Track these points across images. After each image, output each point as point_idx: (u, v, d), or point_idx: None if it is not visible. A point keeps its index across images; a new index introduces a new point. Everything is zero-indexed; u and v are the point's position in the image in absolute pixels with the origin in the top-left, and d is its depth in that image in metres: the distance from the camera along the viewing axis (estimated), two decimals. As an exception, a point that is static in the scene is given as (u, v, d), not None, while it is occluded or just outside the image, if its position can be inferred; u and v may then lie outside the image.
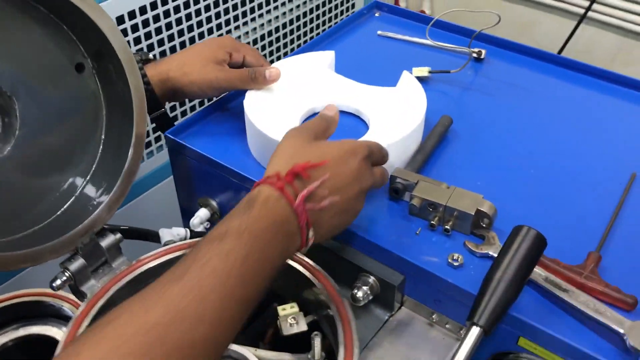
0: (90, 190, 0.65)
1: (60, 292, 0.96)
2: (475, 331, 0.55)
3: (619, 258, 0.64)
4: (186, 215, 0.88)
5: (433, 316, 0.66)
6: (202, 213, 0.81)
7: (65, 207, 0.64)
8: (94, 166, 0.67)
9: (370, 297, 0.66)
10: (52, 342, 0.94)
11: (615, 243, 0.66)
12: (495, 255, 0.64)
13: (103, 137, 0.68)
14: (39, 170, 0.64)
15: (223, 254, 0.48)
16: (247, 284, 0.48)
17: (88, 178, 0.66)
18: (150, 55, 0.84)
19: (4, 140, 0.62)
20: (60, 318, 0.97)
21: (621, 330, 0.56)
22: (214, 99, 0.87)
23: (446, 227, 0.67)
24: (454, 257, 0.64)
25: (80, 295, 0.65)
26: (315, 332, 0.60)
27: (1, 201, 0.62)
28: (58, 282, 0.63)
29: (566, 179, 0.75)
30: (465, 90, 0.91)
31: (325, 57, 0.87)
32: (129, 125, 0.66)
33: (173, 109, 1.19)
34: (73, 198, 0.65)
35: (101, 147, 0.68)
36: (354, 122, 0.81)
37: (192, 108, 1.22)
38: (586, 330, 0.58)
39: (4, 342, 0.99)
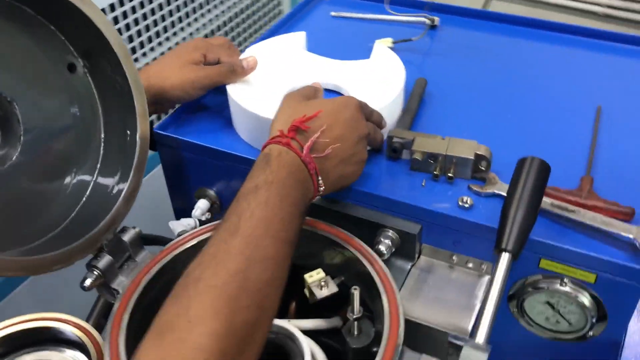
0: (102, 186, 0.65)
1: (61, 315, 0.93)
2: (505, 257, 0.59)
3: (608, 177, 0.70)
4: (180, 213, 0.88)
5: (453, 258, 0.70)
6: (202, 204, 0.81)
7: (80, 206, 0.63)
8: (98, 163, 0.66)
9: (393, 250, 0.69)
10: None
11: (601, 165, 0.72)
12: (501, 192, 0.68)
13: (103, 135, 0.68)
14: (47, 174, 0.63)
15: (262, 203, 0.55)
16: (286, 226, 0.56)
17: (96, 174, 0.65)
18: None
19: (11, 147, 0.61)
20: (62, 342, 0.94)
21: (630, 236, 0.62)
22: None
23: (449, 174, 0.71)
24: (464, 200, 0.68)
25: (111, 294, 0.64)
26: (354, 287, 0.62)
27: (16, 209, 0.60)
28: (88, 281, 0.62)
29: (543, 118, 0.81)
30: (428, 56, 0.96)
31: (298, 38, 0.89)
32: (131, 119, 0.66)
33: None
34: (86, 197, 0.64)
35: (102, 144, 0.67)
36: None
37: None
38: (598, 242, 0.63)
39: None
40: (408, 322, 0.63)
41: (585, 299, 0.64)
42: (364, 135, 0.66)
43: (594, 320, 0.65)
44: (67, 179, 0.65)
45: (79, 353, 0.79)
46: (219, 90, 0.82)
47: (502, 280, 0.58)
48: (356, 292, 0.62)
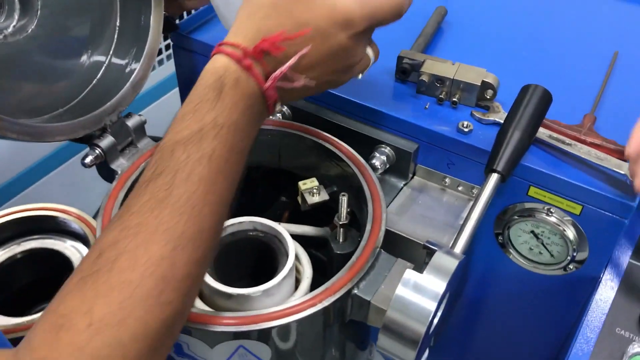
0: (114, 69, 0.67)
1: (64, 207, 0.97)
2: (494, 177, 0.60)
3: (610, 118, 0.70)
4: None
5: (445, 180, 0.71)
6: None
7: (91, 85, 0.65)
8: (112, 47, 0.68)
9: (387, 166, 0.70)
10: (57, 256, 0.95)
11: (606, 107, 0.72)
12: (502, 121, 0.69)
13: (118, 21, 0.69)
14: (61, 51, 0.65)
15: (206, 158, 0.43)
16: (233, 180, 0.45)
17: (110, 56, 0.67)
18: None
19: (29, 20, 0.62)
20: (65, 233, 0.98)
21: (622, 172, 0.62)
22: None
23: (453, 99, 0.72)
24: (464, 125, 0.69)
25: (110, 175, 0.66)
26: (343, 193, 0.64)
27: (30, 80, 0.63)
28: (89, 158, 0.64)
29: (558, 57, 0.80)
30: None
31: None
32: (147, 6, 0.67)
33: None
34: (97, 78, 0.66)
35: (117, 29, 0.69)
36: None
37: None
38: (588, 176, 0.63)
39: (12, 254, 1.00)
40: (390, 234, 0.65)
41: (569, 231, 0.65)
42: (354, 65, 0.53)
43: (575, 254, 0.66)
44: (83, 59, 0.67)
45: (80, 244, 0.83)
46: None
47: (487, 198, 0.59)
48: (344, 198, 0.64)
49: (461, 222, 0.67)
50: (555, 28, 0.87)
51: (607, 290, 0.64)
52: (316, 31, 0.47)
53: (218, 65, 0.46)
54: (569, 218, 0.65)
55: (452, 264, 0.52)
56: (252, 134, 0.47)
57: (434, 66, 0.73)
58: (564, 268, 0.68)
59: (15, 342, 0.40)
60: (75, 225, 0.95)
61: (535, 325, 0.78)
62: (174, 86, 1.19)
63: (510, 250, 0.71)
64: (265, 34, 0.46)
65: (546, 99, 0.64)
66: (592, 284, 0.66)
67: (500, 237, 0.70)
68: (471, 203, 0.69)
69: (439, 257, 0.53)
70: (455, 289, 0.58)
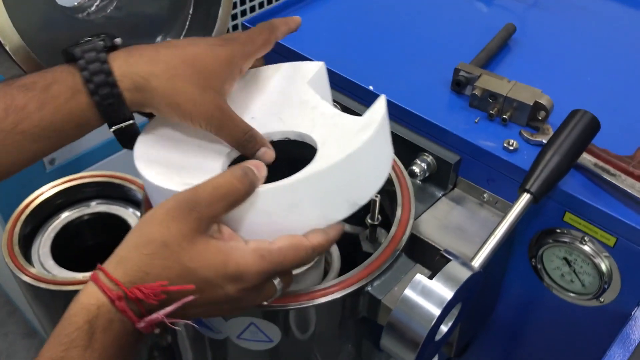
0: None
1: (132, 177, 1.04)
2: (525, 197, 0.60)
3: (667, 154, 0.68)
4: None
5: (484, 195, 0.71)
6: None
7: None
8: (183, 34, 0.73)
9: (427, 174, 0.71)
10: (119, 221, 1.03)
11: (666, 142, 0.70)
12: (549, 143, 0.68)
13: (191, 10, 0.74)
14: (135, 32, 0.71)
15: None
16: None
17: (181, 39, 0.72)
18: (117, 41, 0.54)
19: (108, 1, 0.68)
20: (129, 201, 1.06)
21: (663, 208, 0.60)
22: None
23: (504, 116, 0.72)
24: (510, 143, 0.69)
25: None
26: (376, 195, 0.65)
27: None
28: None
29: (623, 86, 0.78)
30: (532, 6, 0.94)
31: (309, 69, 0.64)
32: (216, 2, 0.72)
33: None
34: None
35: (189, 17, 0.74)
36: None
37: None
38: (629, 209, 0.62)
39: (80, 215, 1.08)
40: (418, 239, 0.66)
41: (602, 263, 0.64)
42: (248, 306, 0.50)
43: (606, 286, 0.64)
44: (155, 41, 0.72)
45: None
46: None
47: (515, 217, 0.59)
48: (377, 200, 0.66)
49: (492, 239, 0.67)
50: (626, 57, 0.84)
51: (638, 328, 0.62)
52: (203, 282, 0.44)
53: (92, 301, 0.43)
54: (602, 249, 0.63)
55: (464, 274, 0.53)
56: (128, 357, 0.45)
57: (488, 81, 0.73)
58: (595, 300, 0.66)
59: (73, 294, 0.43)
60: (139, 195, 1.02)
61: (565, 354, 0.76)
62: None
63: (543, 275, 0.70)
64: (145, 275, 0.43)
65: (593, 126, 0.63)
66: (622, 321, 0.64)
67: (533, 260, 0.69)
68: (505, 221, 0.69)
69: (452, 266, 0.53)
70: (470, 304, 0.58)
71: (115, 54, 0.52)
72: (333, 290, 0.55)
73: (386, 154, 0.56)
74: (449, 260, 0.54)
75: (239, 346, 0.60)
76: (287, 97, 0.62)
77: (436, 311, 0.51)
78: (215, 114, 0.53)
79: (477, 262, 0.56)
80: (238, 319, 0.56)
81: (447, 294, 0.51)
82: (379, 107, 0.55)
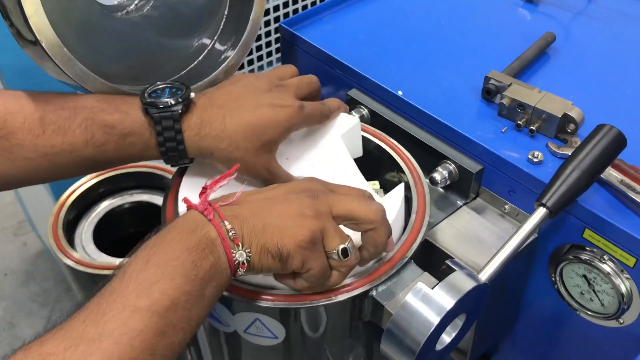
0: (214, 53, 0.74)
1: (164, 165, 1.08)
2: (541, 211, 0.59)
3: (701, 174, 0.65)
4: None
5: (505, 206, 0.70)
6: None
7: (191, 66, 0.73)
8: (217, 34, 0.75)
9: (448, 182, 0.71)
10: (158, 209, 1.07)
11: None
12: (576, 156, 0.66)
13: (226, 10, 0.76)
14: (172, 32, 0.73)
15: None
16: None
17: (214, 41, 0.74)
18: (192, 96, 0.63)
19: (146, 1, 0.71)
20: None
21: (688, 231, 0.58)
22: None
23: (532, 127, 0.70)
24: (535, 154, 0.67)
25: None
26: (394, 200, 0.66)
27: (140, 55, 0.72)
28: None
29: (662, 102, 0.75)
30: (575, 15, 0.91)
31: (344, 123, 0.71)
32: (249, 2, 0.73)
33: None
34: (198, 60, 0.74)
35: (224, 18, 0.76)
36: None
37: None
38: (653, 229, 0.60)
39: (122, 203, 1.13)
40: (433, 247, 0.66)
41: (622, 284, 0.62)
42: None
43: (625, 307, 0.62)
44: (190, 41, 0.74)
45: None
46: None
47: (529, 230, 0.58)
48: (395, 205, 0.66)
49: (509, 251, 0.66)
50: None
51: (656, 354, 0.60)
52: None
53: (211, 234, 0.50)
54: (622, 269, 0.61)
55: (467, 285, 0.52)
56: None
57: (518, 91, 0.72)
58: (614, 321, 0.64)
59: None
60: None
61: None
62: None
63: (563, 291, 0.68)
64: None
65: (619, 142, 0.61)
66: (641, 344, 0.62)
67: (553, 276, 0.68)
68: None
69: (456, 276, 0.53)
70: (476, 315, 0.58)
71: (189, 122, 0.60)
72: (337, 293, 0.56)
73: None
74: (453, 271, 0.54)
75: (248, 341, 0.62)
76: (320, 147, 0.69)
77: (435, 319, 0.51)
78: (263, 174, 0.63)
79: (484, 274, 0.56)
80: (244, 314, 0.58)
81: (448, 302, 0.51)
82: (398, 193, 0.63)
